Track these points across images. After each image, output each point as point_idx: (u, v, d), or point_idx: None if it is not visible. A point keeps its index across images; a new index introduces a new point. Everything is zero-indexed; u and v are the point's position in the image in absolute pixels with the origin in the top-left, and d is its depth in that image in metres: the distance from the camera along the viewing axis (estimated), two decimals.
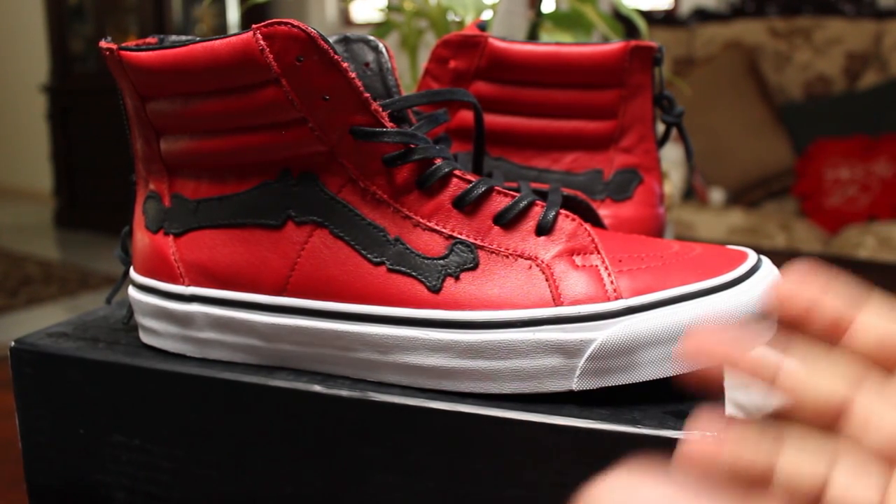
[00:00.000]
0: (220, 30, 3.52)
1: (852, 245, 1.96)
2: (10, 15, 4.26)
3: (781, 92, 2.41)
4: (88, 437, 0.37)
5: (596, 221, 0.38)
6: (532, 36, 0.69)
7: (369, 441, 0.32)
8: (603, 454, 0.29)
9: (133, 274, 0.39)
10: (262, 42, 0.30)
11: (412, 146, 0.32)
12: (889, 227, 1.98)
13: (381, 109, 0.31)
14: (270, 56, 0.30)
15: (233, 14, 3.51)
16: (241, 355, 0.35)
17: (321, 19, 3.61)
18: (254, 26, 0.30)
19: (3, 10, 4.29)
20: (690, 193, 2.35)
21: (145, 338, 0.38)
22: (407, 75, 0.79)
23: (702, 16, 2.64)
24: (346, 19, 3.62)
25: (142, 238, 0.37)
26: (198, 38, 0.34)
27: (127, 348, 0.38)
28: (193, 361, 0.36)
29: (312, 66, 0.30)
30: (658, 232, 0.46)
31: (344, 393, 0.32)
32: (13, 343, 0.38)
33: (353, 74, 0.30)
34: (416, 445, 0.31)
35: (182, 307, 0.35)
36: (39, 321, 2.32)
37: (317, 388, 0.33)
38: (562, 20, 0.73)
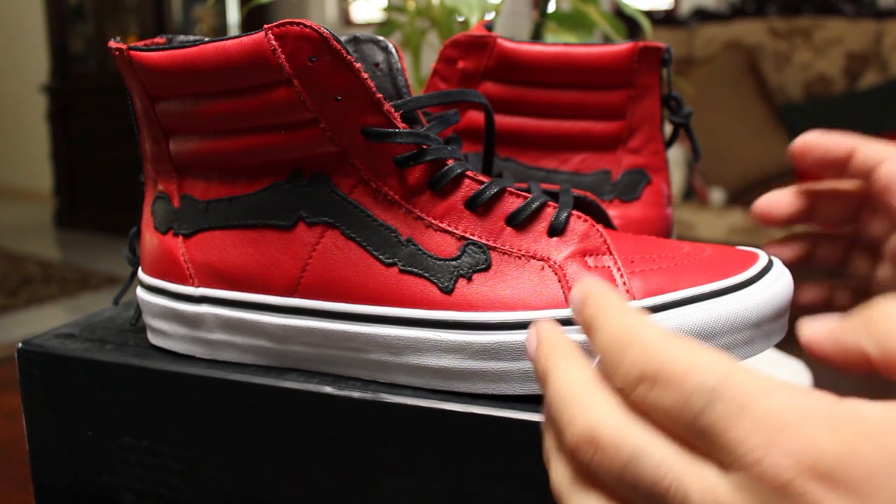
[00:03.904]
0: (221, 30, 3.51)
1: None
2: (10, 15, 4.26)
3: (781, 92, 2.41)
4: (96, 439, 0.37)
5: (606, 222, 0.38)
6: (536, 36, 0.69)
7: (381, 442, 0.32)
8: None
9: (141, 275, 0.38)
10: (273, 42, 0.29)
11: (424, 147, 0.32)
12: None
13: (393, 110, 0.31)
14: (282, 56, 0.29)
15: (233, 14, 3.50)
16: (250, 357, 0.35)
17: (321, 19, 3.61)
18: (265, 26, 0.30)
19: (3, 10, 4.28)
20: (690, 193, 2.34)
21: (153, 339, 0.38)
22: (409, 75, 0.79)
23: (702, 16, 2.64)
24: (346, 19, 3.62)
25: (150, 239, 0.37)
26: (207, 39, 0.34)
27: (135, 350, 0.37)
28: (203, 363, 0.36)
29: (325, 67, 0.30)
30: (666, 232, 0.46)
31: (355, 394, 0.32)
32: (21, 344, 0.38)
33: (365, 75, 0.30)
34: (428, 447, 0.31)
35: (191, 308, 0.35)
36: (39, 321, 2.32)
37: (328, 389, 0.33)
38: (565, 20, 0.73)
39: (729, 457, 0.18)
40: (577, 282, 0.30)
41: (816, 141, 0.36)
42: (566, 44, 0.43)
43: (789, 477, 0.17)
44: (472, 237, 0.32)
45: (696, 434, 0.19)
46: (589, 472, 0.21)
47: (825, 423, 0.18)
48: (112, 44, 0.35)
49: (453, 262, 0.31)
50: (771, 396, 0.18)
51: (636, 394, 0.21)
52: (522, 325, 0.30)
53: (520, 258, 0.31)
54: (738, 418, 0.18)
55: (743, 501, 0.18)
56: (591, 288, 0.25)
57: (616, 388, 0.22)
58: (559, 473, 0.22)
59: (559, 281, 0.31)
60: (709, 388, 0.19)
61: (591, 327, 0.23)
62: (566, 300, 0.30)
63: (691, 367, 0.20)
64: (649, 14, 2.68)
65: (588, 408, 0.21)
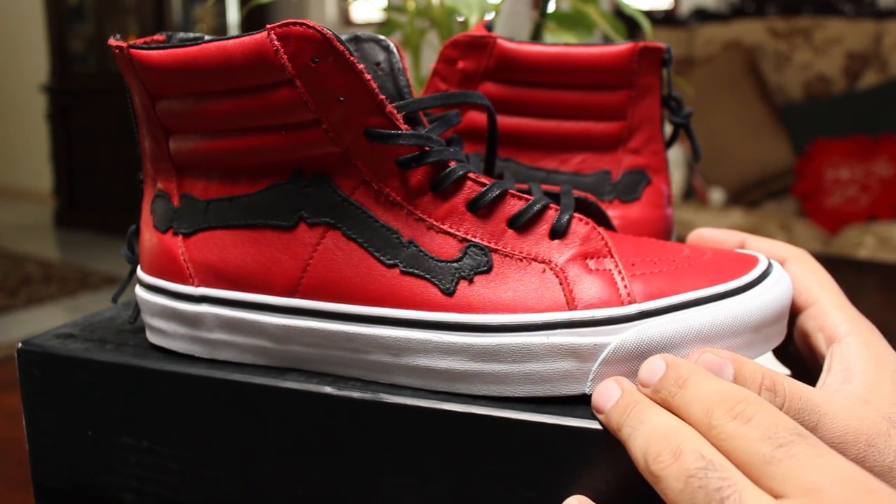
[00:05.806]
0: (221, 30, 3.51)
1: (852, 245, 1.96)
2: (10, 15, 4.25)
3: (781, 92, 2.41)
4: (96, 439, 0.37)
5: (606, 224, 0.38)
6: (536, 36, 0.69)
7: (380, 443, 0.32)
8: (615, 457, 0.29)
9: (140, 273, 0.38)
10: (276, 42, 0.29)
11: (427, 148, 0.32)
12: (889, 227, 1.98)
13: (396, 112, 0.31)
14: (285, 57, 0.29)
15: (233, 14, 3.50)
16: (250, 356, 0.35)
17: (321, 19, 3.61)
18: (268, 26, 0.29)
19: (3, 10, 4.28)
20: (690, 193, 2.34)
21: (153, 338, 0.38)
22: (409, 75, 0.79)
23: (702, 16, 2.64)
24: (345, 19, 3.62)
25: (150, 238, 0.37)
26: (206, 37, 0.34)
27: (135, 350, 0.37)
28: (202, 363, 0.36)
29: (328, 68, 0.30)
30: (666, 233, 0.46)
31: (355, 394, 0.32)
32: (20, 344, 0.38)
33: (368, 76, 0.30)
34: (428, 447, 0.31)
35: (191, 308, 0.35)
36: (39, 321, 2.32)
37: (328, 389, 0.33)
38: (565, 20, 0.73)
39: (791, 485, 0.23)
40: (577, 285, 0.30)
41: (708, 235, 0.40)
42: (566, 44, 0.43)
43: (844, 502, 0.23)
44: (473, 239, 0.31)
45: (766, 463, 0.24)
46: (658, 480, 0.25)
47: (867, 482, 0.24)
48: (112, 41, 0.34)
49: (454, 264, 0.31)
50: (835, 456, 0.24)
51: (723, 428, 0.25)
52: (523, 328, 0.30)
53: (521, 260, 0.31)
54: (814, 460, 0.24)
55: None
56: (672, 359, 0.29)
57: (702, 427, 0.26)
58: None
59: (560, 284, 0.30)
60: (796, 433, 0.24)
61: (685, 384, 0.28)
62: (567, 303, 0.30)
63: (782, 417, 0.25)
64: (649, 14, 2.68)
65: (678, 430, 0.26)
